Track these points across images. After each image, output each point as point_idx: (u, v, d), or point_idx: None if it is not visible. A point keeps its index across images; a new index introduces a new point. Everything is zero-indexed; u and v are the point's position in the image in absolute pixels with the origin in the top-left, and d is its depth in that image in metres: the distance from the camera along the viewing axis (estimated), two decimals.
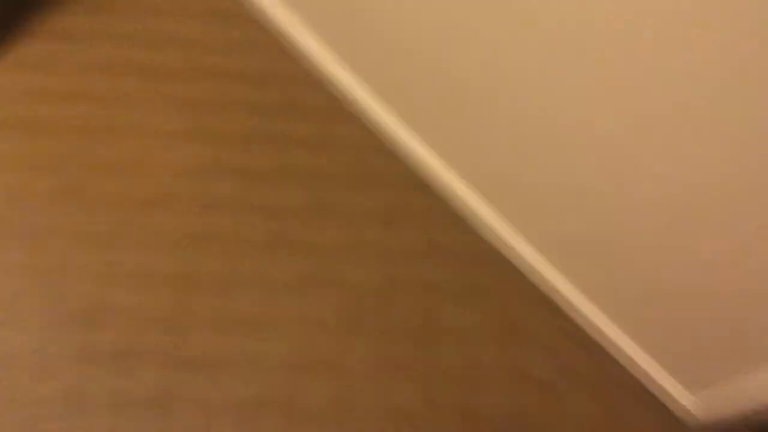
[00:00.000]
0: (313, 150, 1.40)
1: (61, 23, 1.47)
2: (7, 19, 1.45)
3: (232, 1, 1.55)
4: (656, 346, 1.15)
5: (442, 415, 1.16)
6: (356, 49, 1.30)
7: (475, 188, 1.28)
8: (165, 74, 1.44)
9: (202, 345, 1.17)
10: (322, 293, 1.25)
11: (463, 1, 0.90)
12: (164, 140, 1.36)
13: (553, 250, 1.20)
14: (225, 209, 1.31)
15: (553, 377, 1.21)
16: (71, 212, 1.26)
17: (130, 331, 1.17)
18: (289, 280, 1.25)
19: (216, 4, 1.54)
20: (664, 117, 0.74)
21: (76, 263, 1.22)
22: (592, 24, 0.73)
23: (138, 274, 1.22)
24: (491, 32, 0.89)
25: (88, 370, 1.13)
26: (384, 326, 1.24)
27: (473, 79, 1.01)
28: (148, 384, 1.13)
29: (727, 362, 1.03)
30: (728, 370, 1.04)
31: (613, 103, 0.79)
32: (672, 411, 1.20)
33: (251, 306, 1.22)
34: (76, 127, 1.35)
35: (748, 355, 0.97)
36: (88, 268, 1.21)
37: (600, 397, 1.20)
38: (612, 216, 0.97)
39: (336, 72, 1.42)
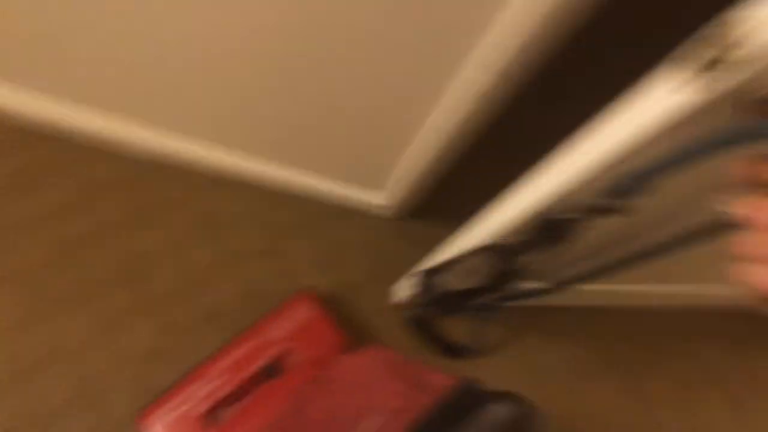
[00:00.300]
0: None
1: None
2: None
3: None
4: (331, 169, 1.22)
5: (188, 333, 1.17)
6: None
7: (88, 107, 1.12)
8: None
9: None
10: None
11: None
12: None
13: (189, 125, 1.13)
14: None
15: (267, 243, 1.25)
16: None
17: None
18: None
19: None
20: None
21: None
22: None
23: None
24: None
25: None
26: (84, 289, 1.14)
27: None
28: None
29: (385, 156, 1.13)
30: (390, 159, 1.14)
31: None
32: (375, 213, 1.33)
33: None
34: None
35: (395, 145, 1.08)
36: None
37: (314, 236, 1.29)
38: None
39: None
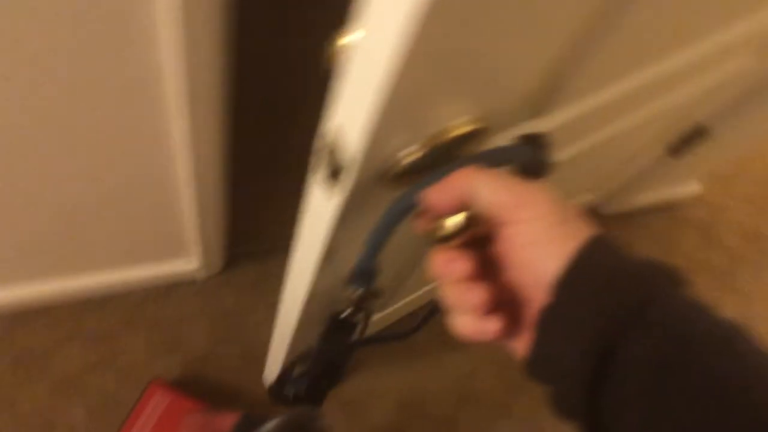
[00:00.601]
0: None
1: None
2: None
3: None
4: (127, 258, 1.19)
5: None
6: None
7: None
8: None
9: None
10: None
11: None
12: None
13: None
14: None
15: (98, 353, 1.21)
16: None
17: None
18: None
19: None
20: None
21: None
22: None
23: None
24: None
25: None
26: None
27: None
28: None
29: (168, 222, 1.12)
30: (175, 222, 1.13)
31: None
32: (194, 277, 1.32)
33: None
34: None
35: (169, 208, 1.07)
36: None
37: (144, 326, 1.26)
38: None
39: None
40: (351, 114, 0.37)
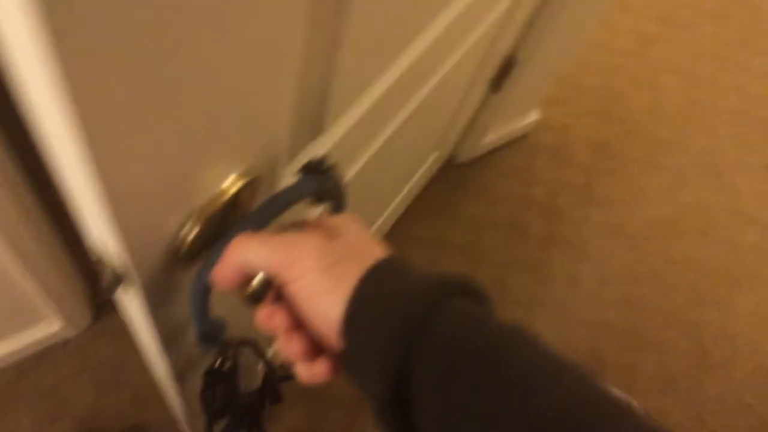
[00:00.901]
0: None
1: None
2: None
3: None
4: None
5: None
6: None
7: None
8: None
9: None
10: None
11: None
12: None
13: None
14: None
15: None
16: None
17: None
18: None
19: None
20: None
21: None
22: None
23: None
24: None
25: None
26: None
27: None
28: None
29: (23, 294, 1.09)
30: (28, 290, 1.10)
31: None
32: (66, 337, 1.29)
33: None
34: None
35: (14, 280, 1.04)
36: None
37: (24, 400, 1.22)
38: None
39: None
40: (96, 226, 0.35)
